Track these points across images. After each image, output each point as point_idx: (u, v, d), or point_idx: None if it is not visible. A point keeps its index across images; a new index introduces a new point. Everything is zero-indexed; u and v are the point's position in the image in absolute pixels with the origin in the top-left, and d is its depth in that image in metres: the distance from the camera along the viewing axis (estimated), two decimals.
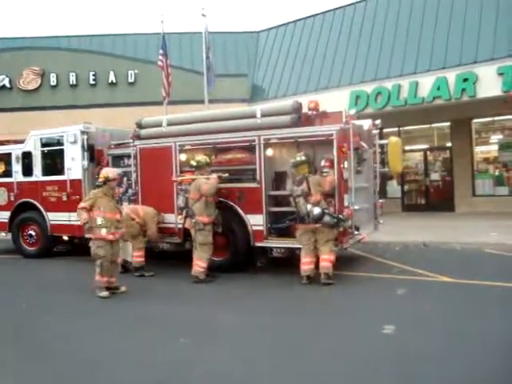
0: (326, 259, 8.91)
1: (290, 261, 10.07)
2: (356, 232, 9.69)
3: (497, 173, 19.99)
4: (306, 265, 9.08)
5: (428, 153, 21.75)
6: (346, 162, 9.19)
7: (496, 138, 20.41)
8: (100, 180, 9.00)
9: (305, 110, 10.08)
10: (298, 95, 18.62)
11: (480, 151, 20.56)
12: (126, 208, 10.53)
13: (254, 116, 10.25)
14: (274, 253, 10.16)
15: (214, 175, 9.52)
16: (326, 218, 8.76)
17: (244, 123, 10.30)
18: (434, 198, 21.37)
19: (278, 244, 9.92)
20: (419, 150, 21.92)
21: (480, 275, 9.13)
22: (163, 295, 8.77)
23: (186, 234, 10.42)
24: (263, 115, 10.12)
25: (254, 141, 9.95)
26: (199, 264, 9.39)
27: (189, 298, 8.51)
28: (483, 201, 19.45)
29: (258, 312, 7.51)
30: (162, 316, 7.49)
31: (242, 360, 5.63)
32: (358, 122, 10.40)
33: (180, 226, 10.59)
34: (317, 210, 8.76)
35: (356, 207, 9.43)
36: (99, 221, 8.68)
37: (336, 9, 22.10)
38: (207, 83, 18.47)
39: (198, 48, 20.16)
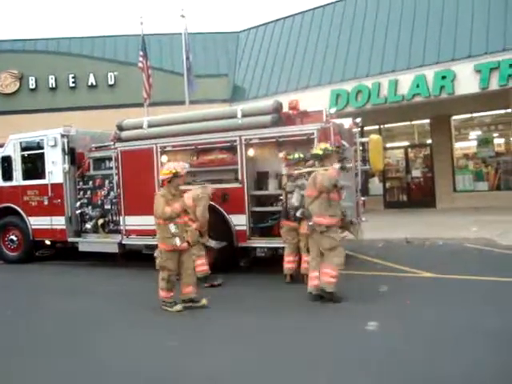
0: (307, 261, 8.70)
1: (272, 260, 10.09)
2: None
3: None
4: (289, 263, 9.12)
5: (409, 150, 21.96)
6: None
7: (475, 134, 20.70)
8: (165, 176, 7.78)
9: (285, 109, 10.13)
10: (278, 95, 18.67)
11: (459, 147, 20.80)
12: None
13: (234, 116, 10.27)
14: (258, 253, 10.17)
15: (336, 165, 7.70)
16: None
17: (225, 124, 10.32)
18: (415, 195, 21.58)
19: (260, 244, 9.95)
20: (400, 148, 22.14)
21: (462, 270, 9.25)
22: None
23: None
24: (244, 115, 10.15)
25: (235, 141, 9.99)
26: (330, 273, 7.62)
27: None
28: (463, 196, 19.66)
29: (243, 312, 7.52)
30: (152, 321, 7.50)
31: (230, 361, 5.62)
32: (338, 121, 10.46)
33: None
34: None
35: None
36: (173, 229, 7.63)
37: (315, 8, 22.18)
38: (188, 84, 18.45)
39: (178, 49, 20.15)
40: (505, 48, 15.88)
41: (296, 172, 8.89)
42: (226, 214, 9.96)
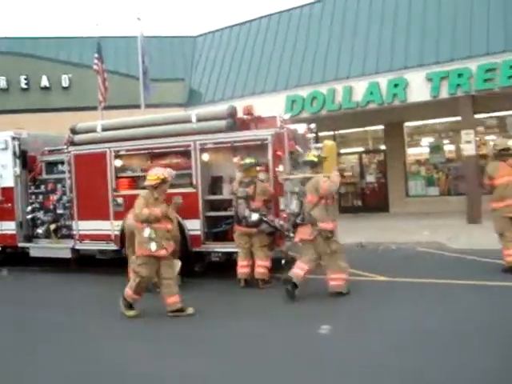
0: (261, 265, 9.01)
1: (227, 265, 10.10)
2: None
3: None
4: (242, 268, 9.18)
5: (363, 155, 22.30)
6: (280, 166, 9.34)
7: (427, 140, 21.20)
8: (152, 182, 7.68)
9: (240, 114, 10.17)
10: (234, 99, 18.73)
11: (412, 153, 21.26)
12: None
13: (189, 121, 10.28)
14: (212, 257, 10.16)
15: (336, 172, 8.28)
16: (263, 226, 8.85)
17: (179, 128, 10.32)
18: (369, 200, 21.92)
19: (215, 248, 9.96)
20: (354, 153, 22.45)
21: (414, 273, 9.50)
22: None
23: (122, 240, 10.34)
24: (199, 120, 10.16)
25: (189, 146, 9.99)
26: (340, 277, 8.08)
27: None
28: (416, 201, 20.09)
29: (197, 317, 7.51)
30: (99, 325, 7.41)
31: (197, 368, 5.62)
32: (292, 126, 10.57)
33: (116, 232, 10.46)
34: (255, 217, 8.86)
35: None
36: (147, 233, 7.44)
37: (271, 14, 22.30)
38: (144, 88, 18.31)
39: (134, 52, 19.95)
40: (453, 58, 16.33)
41: (291, 177, 9.14)
42: (180, 218, 9.92)
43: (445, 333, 6.21)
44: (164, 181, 7.70)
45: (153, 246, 7.44)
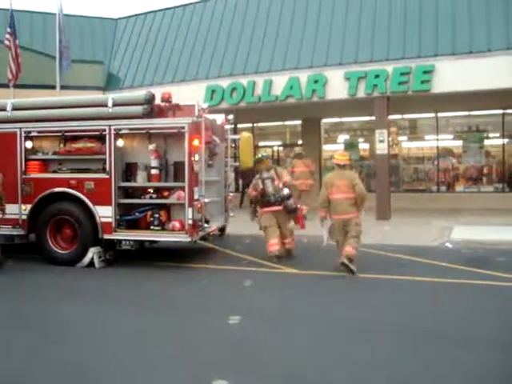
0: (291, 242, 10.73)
1: (139, 253, 10.01)
2: (206, 225, 9.85)
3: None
4: (273, 246, 10.18)
5: (280, 149, 22.60)
6: (196, 155, 9.32)
7: (342, 137, 21.78)
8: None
9: (158, 101, 10.04)
10: (154, 86, 18.40)
11: (328, 149, 21.78)
12: None
13: (105, 105, 10.02)
14: (123, 245, 9.99)
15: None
16: (290, 201, 10.22)
17: (95, 112, 10.08)
18: None
19: (127, 236, 9.80)
20: (272, 146, 22.69)
21: (323, 266, 9.66)
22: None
23: (30, 225, 10.07)
24: (115, 104, 9.94)
25: (104, 130, 9.77)
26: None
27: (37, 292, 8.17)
28: None
29: (108, 306, 7.45)
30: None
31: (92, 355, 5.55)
32: (211, 116, 10.58)
33: (24, 217, 10.12)
34: (286, 191, 10.23)
35: (206, 200, 9.59)
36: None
37: (197, 3, 22.09)
38: (59, 68, 17.69)
39: (52, 30, 19.22)
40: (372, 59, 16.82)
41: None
42: (91, 204, 9.73)
43: (360, 323, 6.42)
44: None
45: None
